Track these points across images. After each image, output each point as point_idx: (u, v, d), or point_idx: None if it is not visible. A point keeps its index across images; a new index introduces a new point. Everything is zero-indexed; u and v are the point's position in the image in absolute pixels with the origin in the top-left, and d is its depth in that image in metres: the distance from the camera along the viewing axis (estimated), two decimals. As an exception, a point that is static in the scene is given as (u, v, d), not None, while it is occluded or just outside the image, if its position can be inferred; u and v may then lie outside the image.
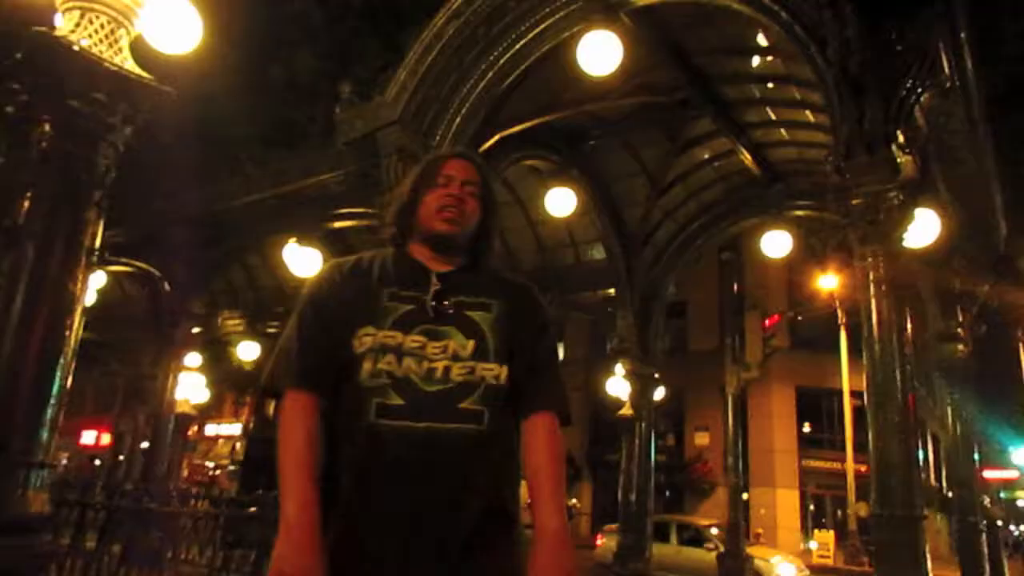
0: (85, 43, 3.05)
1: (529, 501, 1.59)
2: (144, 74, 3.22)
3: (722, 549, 12.07)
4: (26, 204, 2.92)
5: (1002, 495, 37.32)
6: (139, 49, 3.31)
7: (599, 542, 12.31)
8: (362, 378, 1.52)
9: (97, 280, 9.29)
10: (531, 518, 1.51)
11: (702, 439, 23.42)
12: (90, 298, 4.74)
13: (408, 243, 1.74)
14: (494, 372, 1.57)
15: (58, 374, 2.93)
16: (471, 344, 1.57)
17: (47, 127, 2.96)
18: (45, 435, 2.87)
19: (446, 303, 1.62)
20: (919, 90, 5.05)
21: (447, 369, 1.54)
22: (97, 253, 3.15)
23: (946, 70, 5.30)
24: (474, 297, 1.64)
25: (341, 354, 1.56)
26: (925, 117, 5.52)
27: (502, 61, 6.43)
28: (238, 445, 31.79)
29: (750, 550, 13.06)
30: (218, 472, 30.66)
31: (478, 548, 1.48)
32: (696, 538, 13.59)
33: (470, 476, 1.50)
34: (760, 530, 19.12)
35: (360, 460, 1.50)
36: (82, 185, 3.07)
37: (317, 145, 9.00)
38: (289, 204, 8.96)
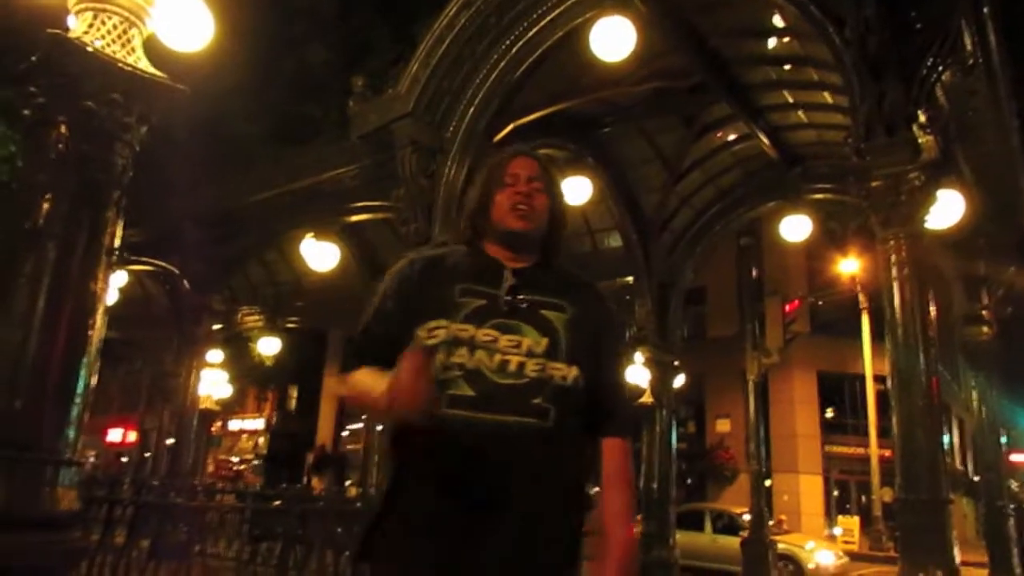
0: (99, 44, 3.06)
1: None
2: (158, 73, 3.23)
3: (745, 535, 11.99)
4: (46, 206, 2.95)
5: (1030, 478, 36.88)
6: (151, 48, 3.32)
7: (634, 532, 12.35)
8: (435, 370, 1.55)
9: (118, 279, 9.41)
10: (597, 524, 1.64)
11: (723, 426, 23.30)
12: (112, 297, 4.79)
13: (482, 243, 1.79)
14: (562, 372, 1.60)
15: (83, 373, 2.96)
16: (545, 342, 1.61)
17: (64, 128, 2.98)
18: (72, 433, 2.91)
19: (520, 298, 1.66)
20: (940, 68, 4.95)
21: (521, 365, 1.58)
22: (117, 252, 3.18)
23: (968, 47, 5.20)
24: (548, 296, 1.68)
25: (405, 342, 1.61)
26: (947, 96, 5.42)
27: (515, 50, 6.39)
28: (261, 440, 32.15)
29: (782, 537, 12.96)
30: (243, 467, 31.02)
31: (535, 547, 1.51)
32: (731, 526, 13.52)
33: (536, 471, 1.54)
34: (783, 516, 19.02)
35: (437, 449, 1.54)
36: (100, 185, 3.10)
37: (331, 140, 9.03)
38: (305, 199, 8.99)
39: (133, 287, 11.62)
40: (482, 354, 1.57)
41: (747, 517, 12.82)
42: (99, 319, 3.06)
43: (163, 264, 10.43)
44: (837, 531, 19.81)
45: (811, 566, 12.53)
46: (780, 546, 12.38)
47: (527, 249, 1.75)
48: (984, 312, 8.76)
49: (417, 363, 1.44)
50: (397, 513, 1.57)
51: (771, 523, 13.13)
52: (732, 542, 12.04)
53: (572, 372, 1.60)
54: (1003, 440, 9.13)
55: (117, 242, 3.18)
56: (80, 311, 2.98)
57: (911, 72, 4.86)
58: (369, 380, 1.60)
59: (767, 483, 16.16)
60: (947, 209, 5.86)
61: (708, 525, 14.05)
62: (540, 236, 1.77)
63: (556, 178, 1.85)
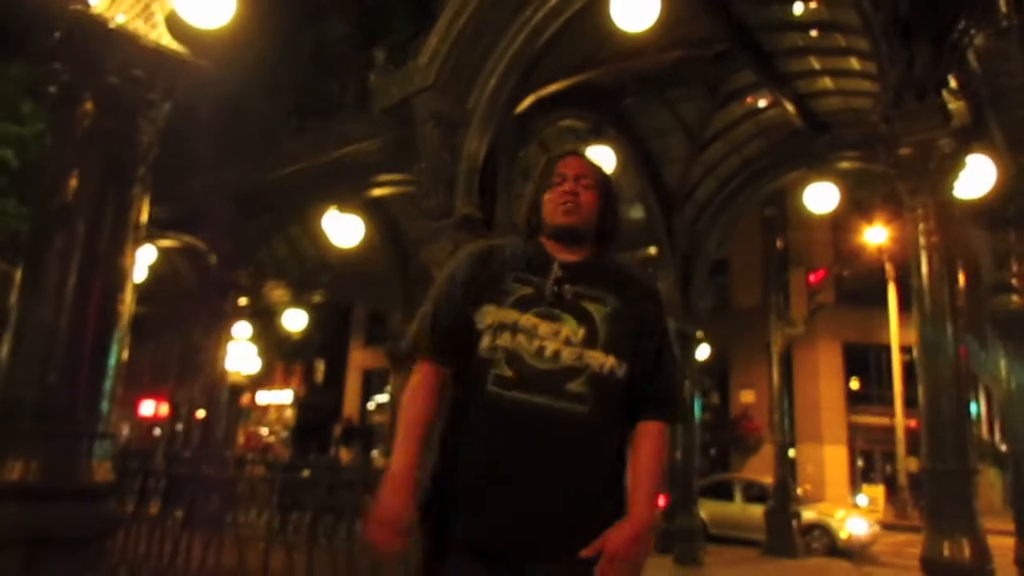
0: (120, 19, 3.08)
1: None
2: (181, 49, 3.24)
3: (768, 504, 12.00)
4: (73, 183, 2.99)
5: (1060, 448, 36.31)
6: (172, 24, 3.33)
7: (660, 502, 12.49)
8: (482, 350, 1.69)
9: (147, 256, 9.54)
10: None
11: (747, 397, 23.21)
12: (140, 273, 4.86)
13: (539, 238, 1.90)
14: (600, 360, 1.68)
15: (114, 347, 3.02)
16: (582, 332, 1.70)
17: (89, 106, 3.01)
18: (105, 406, 2.98)
19: (564, 289, 1.75)
20: (972, 31, 4.81)
21: (557, 352, 1.67)
22: (144, 228, 3.22)
23: (1003, 8, 5.04)
24: (592, 289, 1.77)
25: (468, 327, 1.73)
26: (979, 59, 5.27)
27: (535, 20, 6.30)
28: (289, 412, 32.66)
29: (812, 506, 12.95)
30: (272, 439, 31.54)
31: (572, 525, 1.61)
32: (761, 496, 13.52)
33: (574, 454, 1.64)
34: (808, 486, 19.01)
35: (480, 421, 1.68)
36: (126, 161, 3.13)
37: (353, 114, 9.01)
38: (328, 174, 9.02)
39: (161, 263, 11.77)
40: (522, 338, 1.67)
41: (779, 487, 12.78)
42: (128, 294, 3.11)
43: (190, 240, 10.56)
44: (862, 500, 19.76)
45: (843, 535, 12.47)
46: (812, 515, 12.38)
47: (577, 243, 1.85)
48: (1013, 281, 8.59)
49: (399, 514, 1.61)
50: (445, 485, 1.68)
51: (799, 492, 13.11)
52: (761, 511, 12.08)
53: (609, 361, 1.68)
54: (1032, 410, 8.94)
55: (144, 218, 3.22)
56: (110, 286, 3.03)
57: (942, 36, 4.73)
58: (410, 416, 1.74)
59: (791, 453, 16.12)
60: (978, 176, 5.73)
61: (738, 495, 14.08)
62: (589, 231, 1.86)
63: (607, 177, 1.96)
